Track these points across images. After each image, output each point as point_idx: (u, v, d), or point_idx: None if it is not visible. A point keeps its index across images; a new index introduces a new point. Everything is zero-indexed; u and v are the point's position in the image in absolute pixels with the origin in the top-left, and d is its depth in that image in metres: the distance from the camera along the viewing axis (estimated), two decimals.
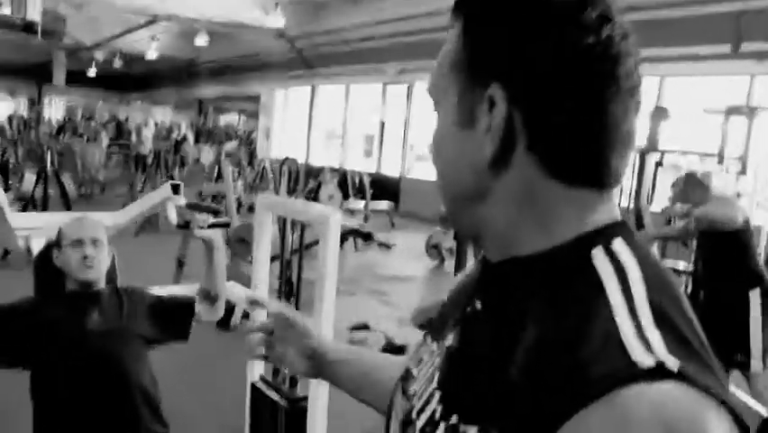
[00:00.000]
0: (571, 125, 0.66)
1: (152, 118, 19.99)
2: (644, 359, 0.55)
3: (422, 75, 15.53)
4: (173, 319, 2.44)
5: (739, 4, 9.43)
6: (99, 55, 27.02)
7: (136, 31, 19.15)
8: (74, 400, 2.19)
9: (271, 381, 3.05)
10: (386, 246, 7.17)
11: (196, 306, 2.45)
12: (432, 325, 0.89)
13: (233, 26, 18.67)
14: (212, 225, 2.33)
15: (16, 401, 2.36)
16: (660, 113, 6.59)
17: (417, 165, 16.46)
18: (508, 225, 0.72)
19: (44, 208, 9.10)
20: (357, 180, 13.39)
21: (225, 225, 2.51)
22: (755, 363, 4.19)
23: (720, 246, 4.25)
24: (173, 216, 3.41)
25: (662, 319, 0.59)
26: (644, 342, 0.57)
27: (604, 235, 0.68)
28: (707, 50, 9.86)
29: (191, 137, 21.33)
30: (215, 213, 2.29)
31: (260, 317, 2.41)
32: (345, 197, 11.93)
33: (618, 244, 0.67)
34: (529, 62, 0.66)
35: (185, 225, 2.34)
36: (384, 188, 15.19)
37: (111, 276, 2.49)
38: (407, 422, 0.79)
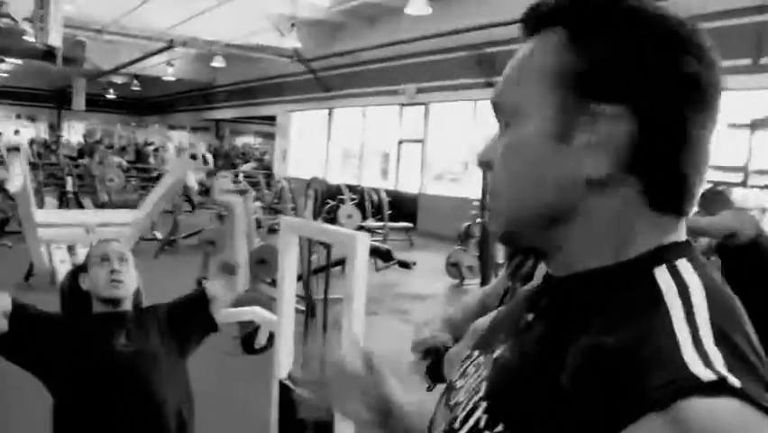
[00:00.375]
0: (681, 154, 0.66)
1: (170, 141, 20.17)
2: (705, 373, 0.53)
3: (438, 95, 15.56)
4: (193, 314, 2.44)
5: (759, 18, 9.38)
6: (117, 79, 27.38)
7: (153, 56, 19.33)
8: (101, 424, 2.16)
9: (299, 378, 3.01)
10: (406, 265, 7.14)
11: (209, 289, 2.46)
12: (481, 339, 0.89)
13: (250, 49, 18.86)
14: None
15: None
16: None
17: (434, 184, 16.42)
18: (586, 245, 0.70)
19: None
20: (375, 199, 13.38)
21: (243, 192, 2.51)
22: None
23: (737, 260, 4.16)
24: (194, 184, 3.39)
25: (723, 338, 0.58)
26: (703, 357, 0.55)
27: (669, 254, 0.67)
28: (727, 64, 9.77)
29: (210, 158, 21.46)
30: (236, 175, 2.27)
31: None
32: (364, 216, 11.91)
33: (682, 264, 0.66)
34: (650, 83, 0.65)
35: (206, 192, 2.34)
36: (402, 206, 15.18)
37: (137, 299, 2.47)
38: (449, 431, 0.77)
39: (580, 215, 0.69)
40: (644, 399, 0.53)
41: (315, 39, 18.08)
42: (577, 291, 0.70)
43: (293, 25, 15.96)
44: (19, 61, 21.28)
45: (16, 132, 28.24)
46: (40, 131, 31.88)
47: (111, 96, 31.04)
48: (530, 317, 0.75)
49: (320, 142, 21.19)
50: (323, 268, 3.58)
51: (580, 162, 0.67)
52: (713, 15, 9.81)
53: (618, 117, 0.65)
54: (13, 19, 12.87)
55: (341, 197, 11.81)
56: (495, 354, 0.78)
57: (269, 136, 28.77)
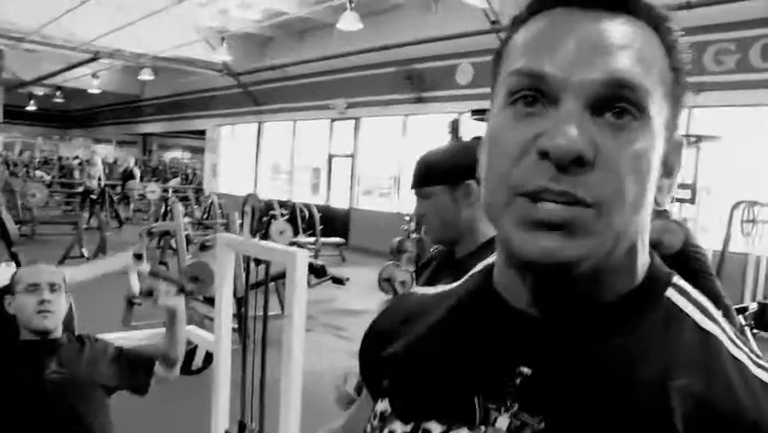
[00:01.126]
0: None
1: (97, 155, 19.64)
2: None
3: (368, 109, 15.66)
4: (134, 373, 2.37)
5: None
6: (39, 90, 26.54)
7: (78, 67, 18.82)
8: None
9: None
10: (339, 281, 7.13)
11: (156, 365, 2.39)
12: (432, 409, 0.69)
13: (179, 62, 18.57)
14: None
15: None
16: None
17: (365, 199, 16.47)
18: (621, 267, 0.65)
19: None
20: (306, 214, 13.33)
21: (188, 293, 2.48)
22: None
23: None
24: (136, 286, 3.31)
25: (743, 343, 0.64)
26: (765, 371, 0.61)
27: (666, 275, 0.68)
28: None
29: (138, 173, 20.96)
30: (181, 288, 2.26)
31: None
32: (296, 232, 11.85)
33: (679, 280, 0.68)
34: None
35: (148, 294, 2.30)
36: (333, 221, 15.17)
37: (68, 323, 2.41)
38: None
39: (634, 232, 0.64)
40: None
41: (245, 52, 17.95)
42: (599, 323, 0.63)
43: (223, 39, 15.84)
44: None
45: None
46: None
47: (32, 107, 30.04)
48: (525, 371, 0.64)
49: (250, 157, 21.01)
50: (257, 285, 3.57)
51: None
52: None
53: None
54: None
55: (272, 212, 11.73)
56: (504, 426, 0.63)
57: (199, 151, 28.37)
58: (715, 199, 8.54)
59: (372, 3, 13.39)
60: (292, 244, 9.70)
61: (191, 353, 3.59)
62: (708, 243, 5.43)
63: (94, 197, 16.44)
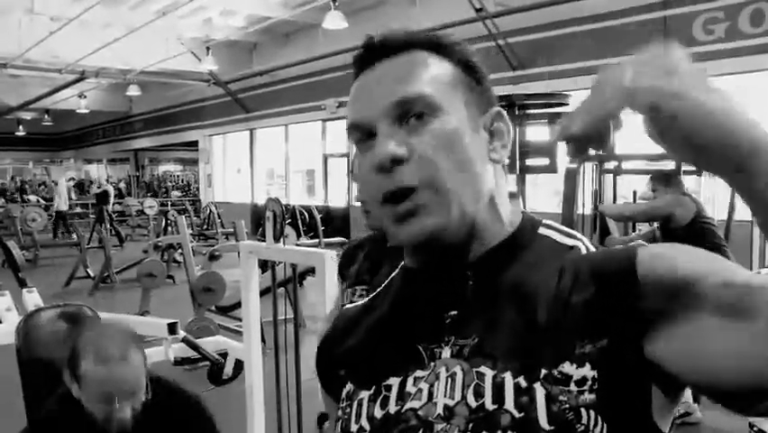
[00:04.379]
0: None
1: (64, 177, 19.72)
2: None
3: None
4: None
5: (662, 12, 9.86)
6: (27, 115, 26.46)
7: (65, 88, 18.76)
8: None
9: None
10: None
11: None
12: (371, 370, 0.84)
13: (165, 75, 18.54)
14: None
15: None
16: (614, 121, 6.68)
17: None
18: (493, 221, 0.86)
19: None
20: (306, 217, 13.33)
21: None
22: None
23: (676, 240, 4.34)
24: (171, 356, 3.27)
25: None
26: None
27: (536, 221, 0.89)
28: None
29: (112, 191, 20.28)
30: (213, 362, 2.19)
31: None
32: (298, 234, 11.86)
33: (548, 222, 0.89)
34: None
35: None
36: (334, 221, 15.17)
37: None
38: (474, 420, 0.74)
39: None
40: (629, 261, 0.74)
41: (231, 60, 17.92)
42: (508, 258, 0.82)
43: (208, 48, 15.80)
44: None
45: None
46: None
47: (21, 132, 29.93)
48: (453, 313, 0.81)
49: (244, 164, 20.99)
50: (296, 290, 3.60)
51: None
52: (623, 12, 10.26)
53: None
54: None
55: None
56: (448, 354, 0.78)
57: (191, 162, 28.32)
58: None
59: (356, 1, 13.38)
60: (297, 246, 9.70)
61: (219, 365, 3.57)
62: (715, 212, 5.49)
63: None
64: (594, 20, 10.75)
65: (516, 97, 6.10)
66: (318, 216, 12.83)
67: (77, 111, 24.26)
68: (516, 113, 5.76)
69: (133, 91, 20.17)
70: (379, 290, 0.95)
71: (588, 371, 0.71)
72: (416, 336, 0.82)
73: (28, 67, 17.50)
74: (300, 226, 13.05)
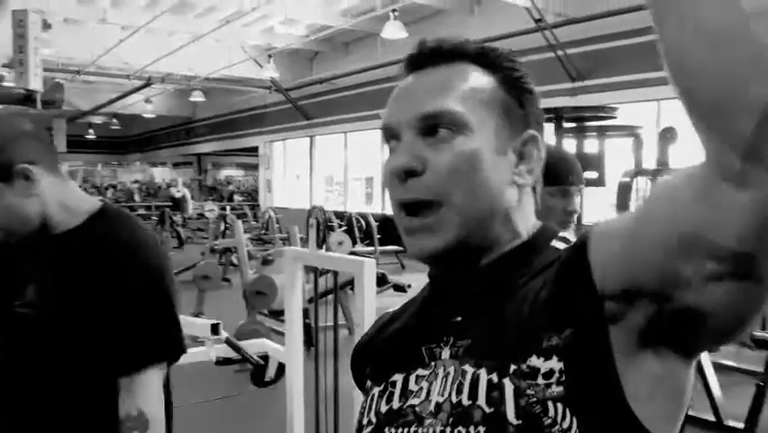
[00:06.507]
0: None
1: (180, 178, 20.26)
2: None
3: None
4: None
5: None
6: (97, 119, 27.34)
7: (132, 93, 19.36)
8: None
9: None
10: (401, 288, 7.17)
11: None
12: (383, 367, 0.91)
13: (228, 81, 18.95)
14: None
15: None
16: (668, 133, 6.55)
17: None
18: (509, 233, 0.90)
19: None
20: (363, 224, 13.41)
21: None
22: None
23: None
24: (213, 356, 3.37)
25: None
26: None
27: (553, 232, 0.91)
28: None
29: (188, 194, 21.09)
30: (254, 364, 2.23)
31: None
32: (354, 242, 11.94)
33: (564, 234, 0.91)
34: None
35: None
36: (390, 229, 15.22)
37: None
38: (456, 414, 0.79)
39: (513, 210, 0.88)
40: (582, 245, 0.74)
41: (292, 68, 18.22)
42: (513, 266, 0.86)
43: (270, 56, 16.08)
44: None
45: None
46: None
47: (91, 136, 30.98)
48: (458, 318, 0.86)
49: (303, 171, 21.25)
50: (322, 295, 3.65)
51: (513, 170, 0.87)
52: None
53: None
54: None
55: (330, 223, 11.85)
56: (447, 355, 0.84)
57: (252, 167, 28.79)
58: None
59: (415, 10, 13.44)
60: (351, 254, 9.79)
61: (263, 367, 3.67)
62: None
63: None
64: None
65: (564, 110, 6.07)
66: (375, 224, 12.90)
67: (144, 115, 24.99)
68: (564, 125, 5.74)
69: (197, 97, 20.68)
70: (414, 296, 1.01)
71: (555, 363, 0.73)
72: (424, 338, 0.88)
73: (99, 73, 18.16)
74: (356, 234, 13.15)
